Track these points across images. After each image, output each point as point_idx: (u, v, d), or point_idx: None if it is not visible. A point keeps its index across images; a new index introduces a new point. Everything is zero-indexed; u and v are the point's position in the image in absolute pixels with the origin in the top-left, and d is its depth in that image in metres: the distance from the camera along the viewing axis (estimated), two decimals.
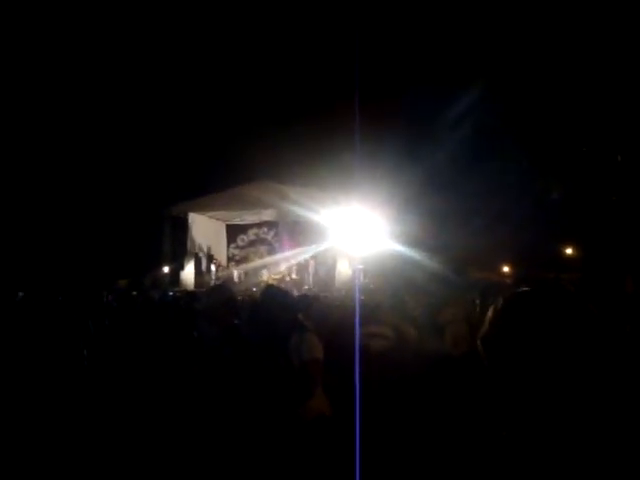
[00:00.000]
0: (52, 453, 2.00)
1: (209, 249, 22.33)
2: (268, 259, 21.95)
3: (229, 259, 23.54)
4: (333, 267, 19.92)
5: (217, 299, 4.72)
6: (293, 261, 20.37)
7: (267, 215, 22.45)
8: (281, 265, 20.57)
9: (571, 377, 1.12)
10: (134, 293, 12.91)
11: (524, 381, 1.14)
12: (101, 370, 2.55)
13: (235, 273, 21.01)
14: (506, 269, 25.42)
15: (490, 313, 1.26)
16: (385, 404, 3.51)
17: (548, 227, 22.99)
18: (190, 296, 7.47)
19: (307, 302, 5.78)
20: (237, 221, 23.89)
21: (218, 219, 23.54)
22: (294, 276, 20.03)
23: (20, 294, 11.50)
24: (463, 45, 22.67)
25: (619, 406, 1.13)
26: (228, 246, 24.04)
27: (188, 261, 21.21)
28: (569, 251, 26.33)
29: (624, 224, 20.47)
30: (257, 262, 21.94)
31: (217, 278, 20.53)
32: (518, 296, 1.26)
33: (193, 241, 21.74)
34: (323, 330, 4.57)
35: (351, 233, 18.33)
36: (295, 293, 13.44)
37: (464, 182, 22.06)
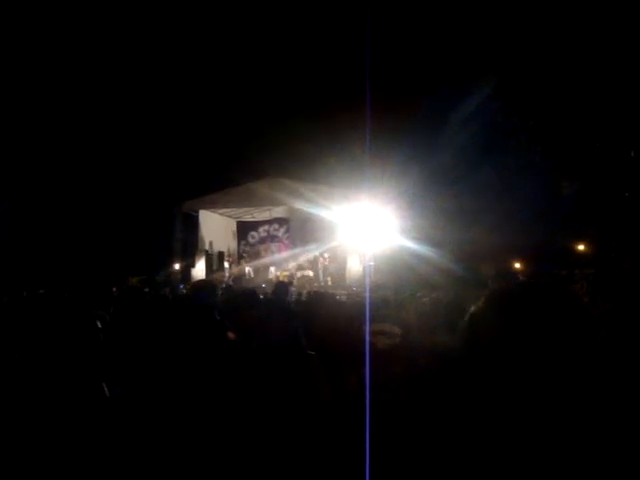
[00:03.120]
0: (54, 451, 2.00)
1: (220, 246, 22.37)
2: (278, 256, 21.97)
3: (240, 256, 23.57)
4: (343, 264, 19.90)
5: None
6: (303, 258, 20.36)
7: (278, 212, 22.46)
8: (291, 262, 20.58)
9: (542, 370, 1.11)
10: (146, 290, 12.95)
11: (498, 375, 1.14)
12: (107, 368, 2.54)
13: (247, 270, 21.04)
14: (518, 265, 25.26)
15: (472, 309, 1.26)
16: (390, 402, 3.50)
17: (561, 223, 22.83)
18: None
19: (318, 299, 5.78)
20: (248, 218, 23.92)
21: (229, 216, 23.58)
22: (306, 273, 20.01)
23: (40, 291, 11.62)
24: (475, 42, 22.54)
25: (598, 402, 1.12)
26: (239, 243, 24.08)
27: (199, 258, 21.24)
28: (582, 247, 26.14)
29: (637, 219, 20.30)
30: (267, 259, 21.96)
31: (230, 275, 20.57)
32: (496, 293, 1.25)
33: (204, 238, 21.77)
34: (330, 325, 4.60)
35: (362, 230, 18.30)
36: (305, 290, 13.46)
37: (476, 178, 21.94)
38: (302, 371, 3.15)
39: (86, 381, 2.26)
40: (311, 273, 19.91)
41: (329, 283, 18.92)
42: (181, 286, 17.13)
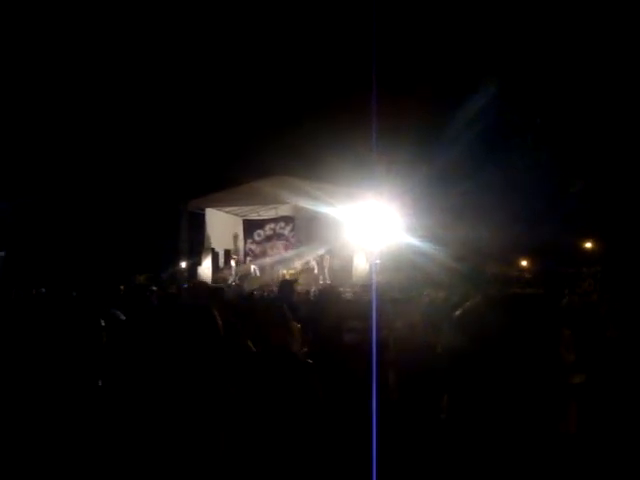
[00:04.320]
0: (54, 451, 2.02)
1: (226, 244, 22.40)
2: (284, 254, 21.97)
3: (246, 254, 23.59)
4: (349, 262, 19.88)
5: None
6: (309, 256, 20.36)
7: (284, 210, 22.44)
8: (297, 260, 20.60)
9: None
10: (153, 288, 12.97)
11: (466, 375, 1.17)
12: (110, 370, 2.56)
13: (252, 268, 21.07)
14: (524, 263, 25.22)
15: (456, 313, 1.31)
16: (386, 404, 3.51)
17: (568, 221, 22.76)
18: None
19: (325, 298, 5.79)
20: (254, 216, 23.91)
21: (235, 214, 23.59)
22: (310, 270, 20.00)
23: (42, 290, 11.68)
24: (482, 40, 22.47)
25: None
26: (245, 241, 24.08)
27: (205, 256, 21.28)
28: (589, 245, 26.06)
29: None
30: (274, 257, 21.98)
31: (236, 273, 20.60)
32: (471, 306, 1.29)
33: (210, 236, 21.80)
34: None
35: (368, 228, 18.27)
36: (313, 288, 13.46)
37: (482, 176, 21.88)
38: (297, 381, 3.07)
39: (82, 377, 2.28)
40: (317, 269, 19.90)
41: (327, 281, 18.86)
42: (184, 285, 17.19)
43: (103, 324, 2.67)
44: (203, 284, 8.06)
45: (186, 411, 2.35)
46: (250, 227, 24.14)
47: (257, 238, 23.94)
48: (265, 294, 12.16)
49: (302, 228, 21.55)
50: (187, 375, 2.38)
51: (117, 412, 2.28)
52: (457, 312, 1.28)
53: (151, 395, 2.35)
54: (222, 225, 22.65)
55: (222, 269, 21.51)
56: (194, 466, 2.37)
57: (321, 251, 20.19)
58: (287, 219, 23.03)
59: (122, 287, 11.38)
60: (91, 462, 2.14)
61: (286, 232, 23.36)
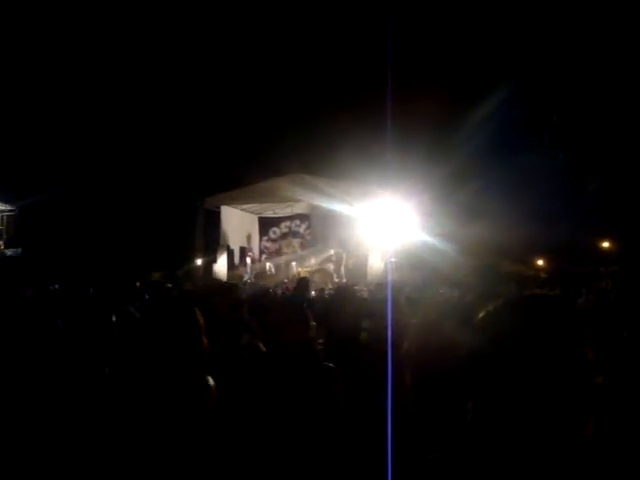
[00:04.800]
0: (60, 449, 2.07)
1: (241, 242, 22.46)
2: (300, 252, 22.00)
3: (261, 252, 23.65)
4: (364, 260, 19.85)
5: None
6: (324, 254, 20.37)
7: (299, 208, 22.46)
8: (312, 258, 20.62)
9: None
10: (169, 285, 13.04)
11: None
12: (121, 368, 2.58)
13: (267, 266, 21.12)
14: (541, 262, 25.05)
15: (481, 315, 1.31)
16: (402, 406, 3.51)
17: (585, 220, 22.56)
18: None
19: (340, 297, 5.81)
20: (269, 214, 23.95)
21: (250, 212, 23.64)
22: (325, 268, 20.01)
23: (55, 286, 11.80)
24: (498, 37, 22.32)
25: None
26: (260, 239, 24.14)
27: (221, 254, 21.34)
28: (607, 244, 25.80)
29: None
30: (289, 255, 22.02)
31: (252, 271, 20.67)
32: (495, 309, 1.29)
33: (226, 234, 21.86)
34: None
35: (383, 226, 18.24)
36: (329, 285, 13.48)
37: (498, 175, 21.75)
38: (318, 386, 2.90)
39: (90, 372, 2.31)
40: (332, 267, 19.90)
41: (343, 280, 18.86)
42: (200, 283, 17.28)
43: (114, 320, 2.71)
44: (217, 282, 8.12)
45: (170, 412, 2.31)
46: (265, 225, 24.19)
47: (272, 236, 23.99)
48: (280, 292, 12.20)
49: (318, 226, 21.56)
50: (164, 375, 2.33)
51: (115, 408, 2.30)
52: (480, 314, 1.29)
53: (139, 396, 2.32)
54: (237, 223, 22.70)
55: (237, 267, 21.58)
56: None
57: (336, 249, 20.19)
58: (303, 217, 23.05)
59: (138, 284, 11.46)
60: (91, 455, 2.17)
61: (301, 230, 23.38)
